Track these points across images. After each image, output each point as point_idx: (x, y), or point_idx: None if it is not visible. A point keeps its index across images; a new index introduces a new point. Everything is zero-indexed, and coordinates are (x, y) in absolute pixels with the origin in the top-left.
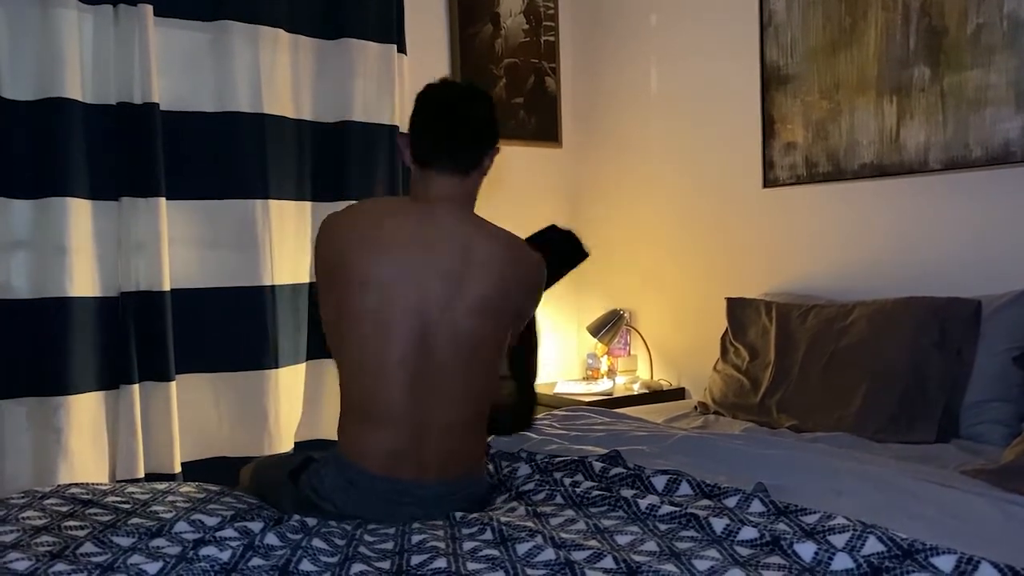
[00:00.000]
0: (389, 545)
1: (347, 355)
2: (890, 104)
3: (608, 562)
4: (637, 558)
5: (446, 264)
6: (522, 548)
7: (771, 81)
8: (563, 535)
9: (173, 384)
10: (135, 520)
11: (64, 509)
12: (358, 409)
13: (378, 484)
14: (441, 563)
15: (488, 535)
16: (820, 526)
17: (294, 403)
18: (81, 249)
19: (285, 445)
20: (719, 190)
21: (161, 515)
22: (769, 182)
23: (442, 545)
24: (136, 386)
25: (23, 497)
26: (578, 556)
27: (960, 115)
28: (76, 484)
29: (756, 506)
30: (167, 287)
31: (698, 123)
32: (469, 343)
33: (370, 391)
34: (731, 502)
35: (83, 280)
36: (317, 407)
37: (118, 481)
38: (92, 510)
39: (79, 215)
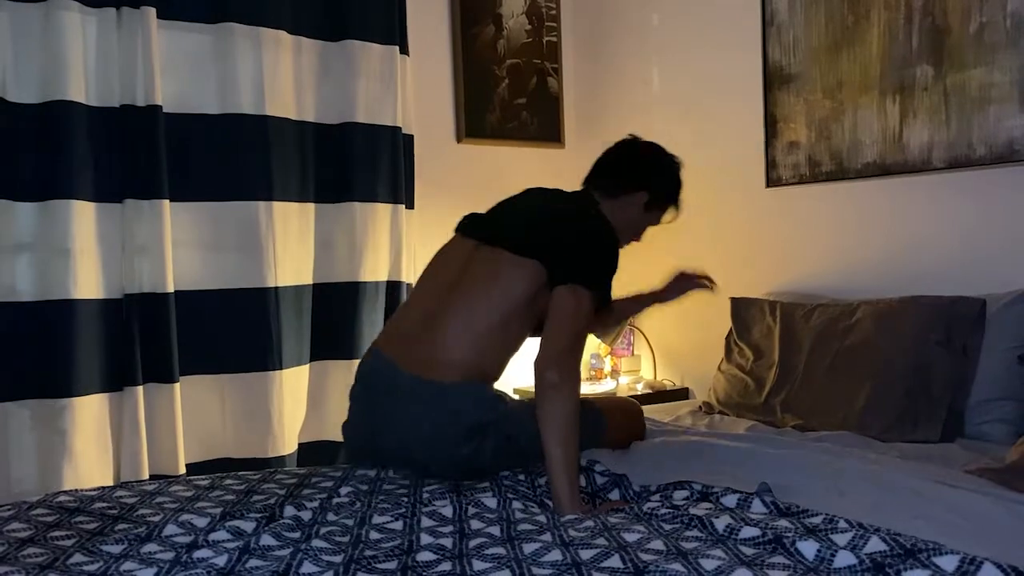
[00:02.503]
0: (396, 542)
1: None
2: (893, 103)
3: (615, 561)
4: (644, 556)
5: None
6: (529, 548)
7: (774, 80)
8: (571, 532)
9: (177, 386)
10: (122, 526)
11: (50, 519)
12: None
13: (374, 358)
14: (447, 566)
15: (496, 531)
16: (824, 526)
17: (298, 404)
18: (85, 251)
19: (289, 446)
20: (722, 190)
21: (149, 519)
22: (772, 181)
23: (448, 543)
24: (140, 388)
25: (10, 509)
26: (585, 555)
27: (963, 114)
28: (64, 492)
29: (758, 507)
30: (171, 289)
31: (701, 123)
32: (480, 280)
33: (411, 295)
34: (730, 501)
35: (87, 282)
36: (321, 408)
37: (106, 486)
38: (78, 518)
39: (83, 217)
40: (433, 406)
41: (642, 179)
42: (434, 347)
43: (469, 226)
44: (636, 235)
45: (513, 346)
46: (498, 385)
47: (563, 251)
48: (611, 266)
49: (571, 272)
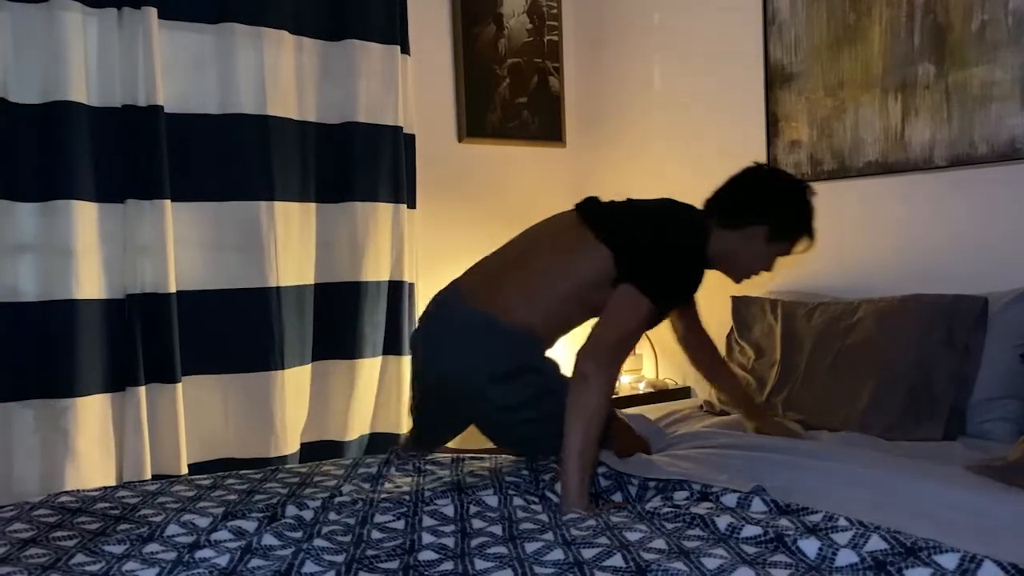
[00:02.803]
0: (398, 541)
1: None
2: (895, 101)
3: (617, 560)
4: (646, 555)
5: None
6: (531, 547)
7: (775, 79)
8: (573, 531)
9: (179, 386)
10: (124, 526)
11: (52, 519)
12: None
13: (451, 288)
14: (449, 566)
15: (497, 530)
16: (824, 524)
17: (300, 404)
18: (87, 252)
19: (291, 446)
20: None
21: (151, 519)
22: None
23: (450, 542)
24: (143, 388)
25: (12, 509)
26: (587, 554)
27: (965, 112)
28: (66, 492)
29: (758, 505)
30: (173, 289)
31: (702, 121)
32: (557, 249)
33: (508, 243)
34: (730, 501)
35: (89, 282)
36: (323, 408)
37: (108, 486)
38: (80, 519)
39: (85, 218)
40: (490, 338)
41: (762, 213)
42: (506, 290)
43: (585, 204)
44: (766, 266)
45: (569, 321)
46: None
47: (634, 251)
48: (681, 283)
49: (635, 273)
